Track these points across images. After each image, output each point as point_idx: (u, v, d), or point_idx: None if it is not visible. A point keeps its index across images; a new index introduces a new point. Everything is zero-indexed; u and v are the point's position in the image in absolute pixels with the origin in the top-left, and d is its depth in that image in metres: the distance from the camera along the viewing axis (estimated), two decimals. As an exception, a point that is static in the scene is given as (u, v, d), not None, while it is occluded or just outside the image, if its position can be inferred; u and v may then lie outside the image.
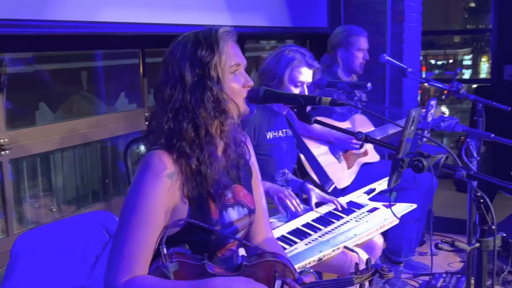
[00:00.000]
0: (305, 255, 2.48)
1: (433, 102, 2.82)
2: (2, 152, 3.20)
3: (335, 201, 2.97)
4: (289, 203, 2.72)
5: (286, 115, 3.10)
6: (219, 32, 1.75)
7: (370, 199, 3.14)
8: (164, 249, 1.62)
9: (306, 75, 2.90)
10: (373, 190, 3.22)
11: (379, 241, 2.96)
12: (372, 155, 3.87)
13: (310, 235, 2.70)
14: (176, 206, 1.71)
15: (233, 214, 1.82)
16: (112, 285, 1.62)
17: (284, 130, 3.04)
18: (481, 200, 1.45)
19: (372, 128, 3.81)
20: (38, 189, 3.93)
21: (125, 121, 3.92)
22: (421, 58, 7.10)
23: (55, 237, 2.14)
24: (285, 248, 2.55)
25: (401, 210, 3.00)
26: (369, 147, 3.86)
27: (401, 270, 3.81)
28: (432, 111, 2.83)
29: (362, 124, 3.85)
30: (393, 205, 3.04)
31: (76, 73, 7.41)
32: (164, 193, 1.67)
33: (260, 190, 2.04)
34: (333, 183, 3.11)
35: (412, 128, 1.47)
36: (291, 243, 2.61)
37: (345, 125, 3.80)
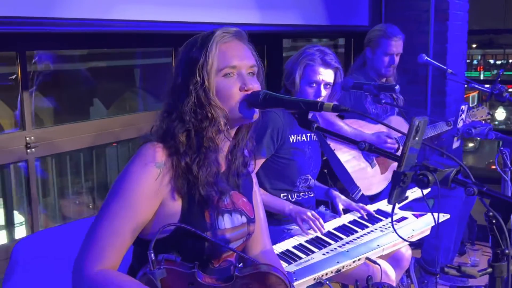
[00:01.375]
0: (321, 266, 2.38)
1: (463, 107, 2.64)
2: (29, 150, 3.20)
3: (361, 210, 2.83)
4: (312, 225, 2.63)
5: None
6: (216, 33, 1.66)
7: (401, 208, 2.98)
8: (152, 254, 1.52)
9: (322, 74, 2.73)
10: (406, 198, 3.05)
11: (407, 252, 2.81)
12: (408, 160, 3.69)
13: (329, 244, 2.58)
14: (165, 201, 1.62)
15: (229, 221, 1.72)
16: (83, 271, 1.55)
17: (308, 135, 2.90)
18: (493, 221, 1.30)
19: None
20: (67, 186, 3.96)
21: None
22: (479, 57, 6.82)
23: (57, 242, 2.09)
24: (301, 258, 2.45)
25: (432, 221, 2.84)
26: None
27: (437, 282, 3.63)
28: (463, 116, 2.65)
29: (399, 126, 3.66)
30: (425, 214, 2.87)
31: (129, 71, 7.52)
32: (150, 182, 1.59)
33: (258, 201, 1.95)
34: (360, 190, 2.97)
35: (417, 138, 1.33)
36: (308, 252, 2.50)
37: (379, 127, 3.63)
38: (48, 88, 4.03)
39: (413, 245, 4.24)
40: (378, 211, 2.92)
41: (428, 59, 3.54)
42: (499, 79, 3.32)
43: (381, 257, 2.66)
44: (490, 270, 1.33)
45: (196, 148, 1.63)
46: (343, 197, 2.91)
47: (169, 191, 1.62)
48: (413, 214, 2.88)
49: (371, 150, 1.46)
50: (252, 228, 1.82)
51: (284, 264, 2.37)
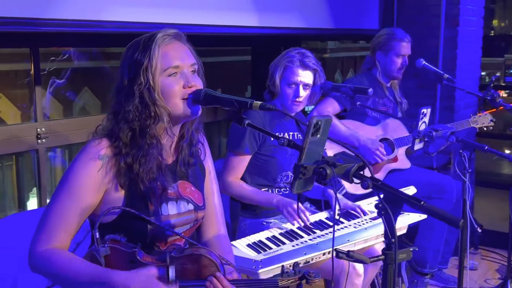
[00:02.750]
0: (288, 256, 2.48)
1: (425, 110, 2.72)
2: (39, 141, 3.44)
3: (357, 208, 2.93)
4: (296, 217, 2.74)
5: (297, 118, 3.09)
6: (157, 35, 1.81)
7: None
8: (97, 233, 1.73)
9: (300, 75, 2.87)
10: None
11: (381, 249, 2.90)
12: (402, 162, 3.77)
13: (301, 237, 2.70)
14: (108, 191, 1.80)
15: (173, 208, 1.89)
16: (32, 250, 1.77)
17: (291, 133, 3.04)
18: (383, 212, 1.43)
19: (407, 134, 3.72)
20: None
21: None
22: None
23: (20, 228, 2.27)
24: (271, 248, 2.57)
25: (409, 220, 2.93)
26: (400, 153, 3.76)
27: (427, 282, 3.70)
28: (426, 119, 2.73)
29: (396, 129, 3.75)
30: (402, 214, 2.97)
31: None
32: (93, 174, 1.77)
33: (213, 189, 2.10)
34: (344, 189, 3.08)
35: (319, 136, 1.46)
36: (278, 243, 2.62)
37: (376, 129, 3.73)
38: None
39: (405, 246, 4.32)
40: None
41: (426, 63, 3.61)
42: (491, 84, 3.38)
43: (356, 251, 2.77)
44: (382, 257, 1.46)
45: (140, 146, 1.79)
46: (340, 196, 3.02)
47: (112, 183, 1.80)
48: (390, 213, 2.97)
49: (290, 146, 1.60)
50: (200, 215, 1.98)
51: (253, 254, 2.51)
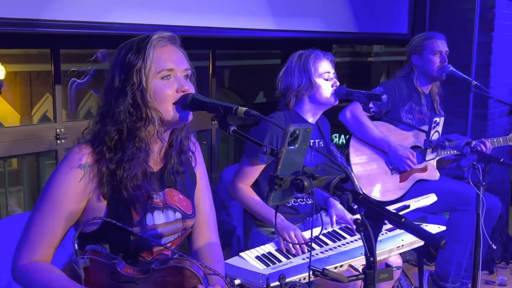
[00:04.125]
0: (297, 270, 2.38)
1: (438, 119, 2.58)
2: (58, 141, 3.47)
3: (352, 224, 2.83)
4: (291, 247, 2.58)
5: (318, 124, 3.00)
6: (152, 38, 1.77)
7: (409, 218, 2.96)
8: (76, 244, 1.67)
9: (329, 66, 2.88)
10: (407, 207, 3.03)
11: (396, 261, 2.79)
12: (431, 172, 3.61)
13: (313, 249, 2.61)
14: (91, 201, 1.76)
15: (160, 217, 1.84)
16: (14, 265, 1.74)
17: (312, 141, 2.94)
18: (361, 228, 1.34)
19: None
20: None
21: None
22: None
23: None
24: (280, 261, 2.49)
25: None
26: (430, 163, 3.62)
27: (450, 297, 3.55)
28: (439, 128, 2.60)
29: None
30: (419, 225, 2.84)
31: (220, 71, 7.82)
32: (75, 184, 1.73)
33: (204, 197, 2.05)
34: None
35: (297, 145, 1.39)
36: (288, 256, 2.54)
37: (408, 135, 3.60)
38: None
39: (430, 258, 4.17)
40: None
41: (453, 69, 3.47)
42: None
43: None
44: (362, 276, 1.37)
45: (125, 150, 1.74)
46: (339, 206, 2.91)
47: (94, 192, 1.75)
48: (407, 225, 2.85)
49: (273, 154, 1.52)
50: (189, 223, 1.93)
51: (261, 266, 2.43)
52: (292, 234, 2.61)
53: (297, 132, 1.38)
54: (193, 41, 4.22)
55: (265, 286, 2.13)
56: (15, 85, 8.16)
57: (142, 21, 3.22)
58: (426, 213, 3.57)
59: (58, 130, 3.45)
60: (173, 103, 1.76)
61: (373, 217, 1.35)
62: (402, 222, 1.32)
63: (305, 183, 1.37)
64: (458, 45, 4.43)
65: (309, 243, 1.95)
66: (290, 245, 2.59)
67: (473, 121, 4.44)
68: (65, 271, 1.73)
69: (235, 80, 8.38)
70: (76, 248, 1.67)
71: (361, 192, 2.88)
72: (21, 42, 3.38)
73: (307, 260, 2.52)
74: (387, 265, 1.43)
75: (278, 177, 1.37)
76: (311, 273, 1.39)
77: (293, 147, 1.39)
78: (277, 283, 2.29)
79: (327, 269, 1.38)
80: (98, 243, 1.74)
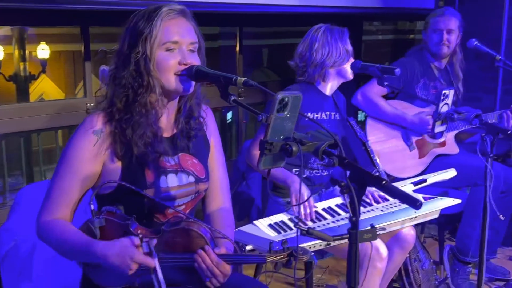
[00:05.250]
0: (307, 238, 2.44)
1: (447, 92, 2.59)
2: (88, 115, 3.61)
3: (369, 195, 2.87)
4: (301, 209, 2.67)
5: (334, 97, 3.06)
6: (162, 9, 1.84)
7: (415, 191, 3.00)
8: (92, 205, 1.80)
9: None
10: (424, 180, 3.07)
11: (410, 233, 2.84)
12: (451, 147, 3.63)
13: (325, 219, 2.68)
14: (106, 163, 1.87)
15: (173, 180, 1.93)
16: (37, 222, 1.89)
17: (328, 113, 3.01)
18: (344, 191, 1.41)
19: (456, 118, 3.58)
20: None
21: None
22: None
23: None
24: (292, 229, 2.57)
25: (442, 204, 2.85)
26: (449, 137, 3.63)
27: (469, 271, 3.56)
28: (448, 101, 2.61)
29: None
30: (434, 198, 2.89)
31: (258, 50, 7.88)
32: (89, 148, 1.84)
33: (218, 164, 2.12)
34: (376, 172, 3.01)
35: (286, 112, 1.45)
36: (300, 223, 2.62)
37: (425, 111, 3.61)
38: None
39: (450, 233, 4.19)
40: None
41: (478, 44, 3.44)
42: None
43: (380, 236, 2.73)
44: (347, 236, 1.44)
45: (131, 112, 1.84)
46: None
47: (109, 154, 1.87)
48: (423, 197, 2.90)
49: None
50: (202, 187, 2.02)
51: (273, 234, 2.53)
52: (305, 196, 2.68)
53: (286, 99, 1.45)
54: (220, 18, 4.31)
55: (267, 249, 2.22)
56: (59, 63, 8.40)
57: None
58: (447, 188, 3.58)
59: (88, 104, 3.60)
60: (176, 74, 1.84)
61: (357, 181, 1.42)
62: (383, 185, 1.38)
63: (293, 148, 1.44)
64: (487, 19, 4.37)
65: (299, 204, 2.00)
66: (301, 209, 2.66)
67: (501, 97, 4.40)
68: (82, 230, 1.84)
69: (273, 59, 8.41)
70: (92, 208, 1.79)
71: (381, 170, 2.92)
72: (51, 20, 3.51)
73: (318, 229, 2.60)
74: (372, 226, 1.49)
75: (268, 142, 1.44)
76: (298, 232, 1.46)
77: (282, 114, 1.45)
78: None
79: (312, 229, 1.45)
80: (114, 205, 1.86)
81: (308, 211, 2.66)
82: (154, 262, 1.73)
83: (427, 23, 3.74)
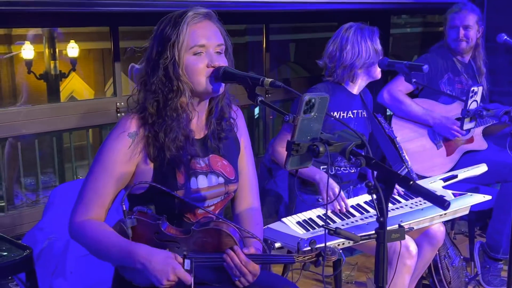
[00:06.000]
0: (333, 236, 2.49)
1: (475, 89, 2.57)
2: (118, 114, 3.67)
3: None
4: (336, 205, 2.71)
5: (361, 95, 3.06)
6: (188, 14, 1.87)
7: (445, 187, 2.99)
8: (124, 206, 1.84)
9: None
10: (455, 176, 3.05)
11: (439, 230, 2.83)
12: (479, 143, 3.60)
13: (353, 216, 2.69)
14: (139, 164, 1.91)
15: (203, 181, 1.96)
16: (71, 221, 1.92)
17: (355, 111, 3.00)
18: (372, 191, 1.42)
19: (485, 112, 3.55)
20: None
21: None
22: None
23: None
24: (320, 226, 2.58)
25: (472, 201, 2.83)
26: (477, 133, 3.60)
27: (500, 268, 3.53)
28: (477, 98, 2.58)
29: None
30: (464, 194, 2.87)
31: (285, 45, 7.90)
32: (124, 150, 1.88)
33: (247, 164, 2.15)
34: (405, 168, 3.01)
35: (313, 113, 1.47)
36: (328, 222, 2.63)
37: (451, 108, 3.59)
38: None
39: (480, 229, 4.14)
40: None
41: (507, 38, 3.39)
42: None
43: (410, 233, 2.73)
44: (375, 235, 1.45)
45: (163, 117, 1.87)
46: None
47: (142, 157, 1.90)
48: (453, 193, 2.88)
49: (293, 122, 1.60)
50: (232, 188, 2.04)
51: (301, 231, 2.54)
52: (336, 190, 2.71)
53: (313, 100, 1.46)
54: (246, 16, 4.33)
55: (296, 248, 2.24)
56: (89, 61, 8.52)
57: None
58: (478, 184, 3.55)
59: (118, 104, 3.65)
60: (205, 76, 1.86)
61: (384, 181, 1.42)
62: (410, 185, 1.38)
63: (320, 149, 1.45)
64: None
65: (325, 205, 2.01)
66: (336, 205, 2.70)
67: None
68: (114, 230, 1.88)
69: (300, 54, 8.39)
70: (124, 209, 1.84)
71: (409, 167, 2.92)
72: (81, 21, 3.58)
73: (346, 226, 2.61)
74: (400, 226, 1.50)
75: (295, 143, 1.46)
76: (326, 232, 1.48)
77: (308, 115, 1.47)
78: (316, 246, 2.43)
79: (340, 229, 1.46)
80: (145, 205, 1.90)
81: (343, 204, 2.69)
82: (191, 281, 1.77)
83: (445, 19, 3.74)
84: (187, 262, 1.78)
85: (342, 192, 2.78)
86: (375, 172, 1.45)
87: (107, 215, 1.97)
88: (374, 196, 1.42)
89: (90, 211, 1.91)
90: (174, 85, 1.86)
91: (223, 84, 1.90)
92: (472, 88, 2.57)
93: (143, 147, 1.90)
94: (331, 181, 2.80)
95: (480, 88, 2.61)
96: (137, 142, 1.89)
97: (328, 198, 2.70)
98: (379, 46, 2.94)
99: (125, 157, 1.89)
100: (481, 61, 3.76)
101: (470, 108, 2.56)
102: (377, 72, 2.97)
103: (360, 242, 1.54)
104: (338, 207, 2.70)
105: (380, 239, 1.44)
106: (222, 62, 1.89)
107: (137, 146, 1.89)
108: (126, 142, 1.88)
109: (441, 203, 1.35)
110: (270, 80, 1.70)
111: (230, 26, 1.99)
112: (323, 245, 1.80)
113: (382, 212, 1.41)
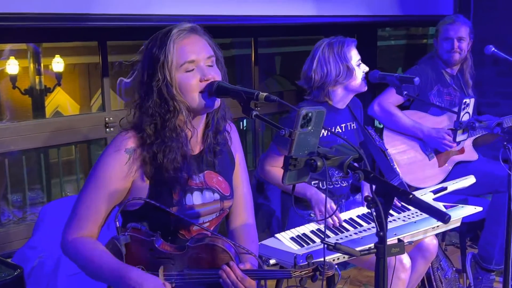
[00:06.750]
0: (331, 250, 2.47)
1: (467, 100, 2.58)
2: (107, 129, 3.64)
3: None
4: (329, 220, 2.68)
5: (350, 107, 3.04)
6: (172, 32, 1.84)
7: (436, 199, 2.98)
8: (117, 222, 1.81)
9: (357, 52, 2.89)
10: (444, 188, 3.04)
11: (432, 242, 2.82)
12: (469, 153, 3.62)
13: (347, 230, 2.67)
14: (135, 181, 1.87)
15: (198, 198, 1.93)
16: (64, 238, 1.89)
17: (343, 125, 2.99)
18: (371, 205, 1.40)
19: (473, 124, 3.56)
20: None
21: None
22: None
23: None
24: (314, 242, 2.56)
25: (463, 213, 2.82)
26: (467, 144, 3.61)
27: (493, 279, 3.53)
28: (469, 110, 2.60)
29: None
30: (455, 206, 2.86)
31: (271, 58, 7.90)
32: (120, 166, 1.84)
33: (242, 180, 2.13)
34: (398, 179, 3.00)
35: (310, 127, 1.45)
36: (323, 237, 2.61)
37: (441, 119, 3.61)
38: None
39: (477, 242, 4.14)
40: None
41: (495, 50, 3.42)
42: None
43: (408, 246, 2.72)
44: (374, 250, 1.43)
45: (162, 138, 1.84)
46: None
47: (139, 174, 1.87)
48: (444, 205, 2.88)
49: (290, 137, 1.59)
50: (227, 204, 2.02)
51: (295, 247, 2.51)
52: (328, 206, 2.71)
53: (310, 114, 1.44)
54: (235, 30, 4.33)
55: (292, 263, 2.22)
56: (74, 76, 8.46)
57: (184, 11, 3.34)
58: (470, 196, 3.55)
59: (107, 118, 3.62)
60: (199, 92, 1.83)
61: (383, 194, 1.41)
62: (410, 199, 1.37)
63: (318, 163, 1.44)
64: (504, 25, 4.35)
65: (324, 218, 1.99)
66: (330, 220, 2.67)
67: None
68: (108, 247, 1.85)
69: (286, 67, 8.40)
70: (118, 225, 1.80)
71: (401, 178, 2.91)
72: (69, 36, 3.55)
73: (341, 241, 2.59)
74: (399, 240, 1.49)
75: (292, 158, 1.44)
76: (325, 246, 1.46)
77: (305, 129, 1.45)
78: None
79: (339, 244, 1.45)
80: (139, 221, 1.87)
81: (336, 219, 2.67)
82: None
83: (437, 31, 3.75)
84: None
85: (332, 204, 2.76)
86: (373, 186, 1.44)
87: (100, 231, 1.94)
88: (373, 210, 1.40)
89: (83, 228, 1.87)
90: (170, 105, 1.83)
91: (218, 99, 1.87)
92: (464, 100, 2.58)
93: (140, 165, 1.86)
94: (320, 196, 2.78)
95: (472, 100, 2.63)
96: (134, 159, 1.86)
97: (324, 213, 2.68)
98: (351, 61, 2.86)
99: (122, 173, 1.86)
100: (468, 74, 3.78)
101: (462, 120, 2.57)
102: (357, 85, 2.90)
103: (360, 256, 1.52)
104: (332, 222, 2.68)
105: (380, 254, 1.43)
106: (215, 73, 1.86)
107: (134, 163, 1.86)
108: (123, 158, 1.85)
109: (441, 216, 1.34)
110: (265, 94, 1.68)
111: (216, 40, 1.97)
112: (320, 259, 1.77)
113: (381, 226, 1.39)
